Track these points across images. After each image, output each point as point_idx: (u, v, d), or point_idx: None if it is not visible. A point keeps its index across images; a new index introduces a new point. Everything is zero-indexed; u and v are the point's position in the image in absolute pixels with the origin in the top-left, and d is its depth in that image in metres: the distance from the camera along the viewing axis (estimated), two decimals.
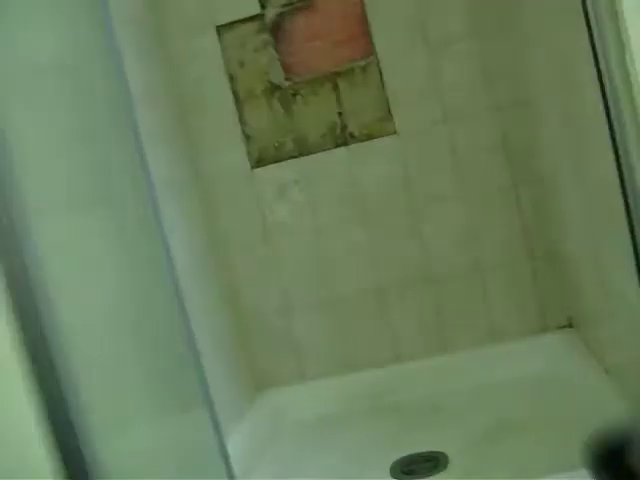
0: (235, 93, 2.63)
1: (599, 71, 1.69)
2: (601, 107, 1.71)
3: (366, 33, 2.54)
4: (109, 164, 1.70)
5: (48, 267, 1.18)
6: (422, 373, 2.63)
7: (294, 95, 2.59)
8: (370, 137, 2.58)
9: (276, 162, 2.64)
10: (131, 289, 1.67)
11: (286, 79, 2.60)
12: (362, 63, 2.55)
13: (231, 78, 2.62)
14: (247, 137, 2.64)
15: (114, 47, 1.65)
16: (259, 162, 2.64)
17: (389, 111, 2.56)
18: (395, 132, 2.57)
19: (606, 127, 1.69)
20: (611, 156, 1.69)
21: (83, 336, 1.45)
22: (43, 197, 1.36)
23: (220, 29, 2.61)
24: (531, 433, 2.12)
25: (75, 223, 1.46)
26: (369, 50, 2.54)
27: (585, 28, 1.71)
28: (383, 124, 2.57)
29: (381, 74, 2.55)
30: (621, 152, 1.50)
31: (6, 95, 1.21)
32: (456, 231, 2.58)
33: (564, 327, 2.56)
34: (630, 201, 1.46)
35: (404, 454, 2.24)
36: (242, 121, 2.63)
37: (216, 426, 1.56)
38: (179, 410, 1.63)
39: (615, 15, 1.59)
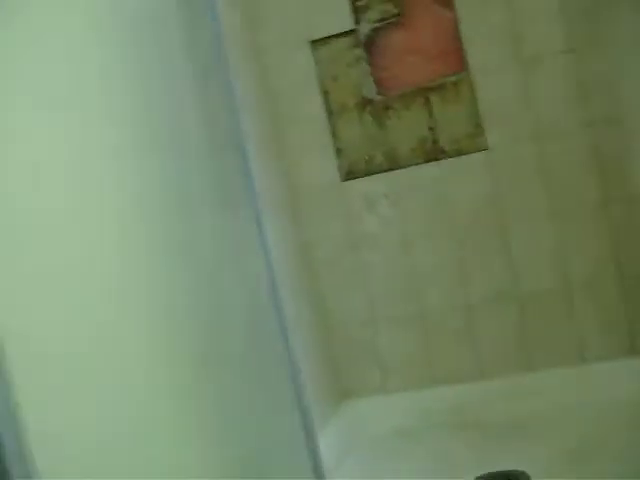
0: (328, 107, 2.67)
1: None
2: None
3: (459, 48, 2.55)
4: (221, 174, 1.75)
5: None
6: (505, 390, 2.60)
7: (386, 109, 2.62)
8: (461, 152, 2.58)
9: (366, 175, 2.66)
10: (237, 298, 1.72)
11: (378, 93, 2.62)
12: (454, 78, 2.56)
13: (324, 92, 2.67)
14: (338, 150, 2.67)
15: (223, 63, 1.71)
16: (349, 175, 2.68)
17: (481, 126, 2.56)
18: (486, 148, 2.56)
19: None
20: None
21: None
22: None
23: (314, 44, 2.65)
24: (615, 456, 2.08)
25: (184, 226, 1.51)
26: (462, 65, 2.55)
27: None
28: (474, 139, 2.57)
29: (473, 89, 2.55)
30: None
31: None
32: (546, 248, 2.56)
33: None
34: None
35: (484, 471, 2.22)
36: (334, 134, 2.67)
37: (308, 430, 1.59)
38: (273, 413, 1.66)
39: None
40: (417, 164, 2.62)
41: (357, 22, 2.62)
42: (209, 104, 1.76)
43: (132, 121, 1.45)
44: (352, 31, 2.63)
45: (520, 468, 2.17)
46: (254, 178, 1.73)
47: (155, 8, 1.64)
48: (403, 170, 2.63)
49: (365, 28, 2.62)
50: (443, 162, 2.60)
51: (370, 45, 2.61)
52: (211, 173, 1.74)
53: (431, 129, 2.60)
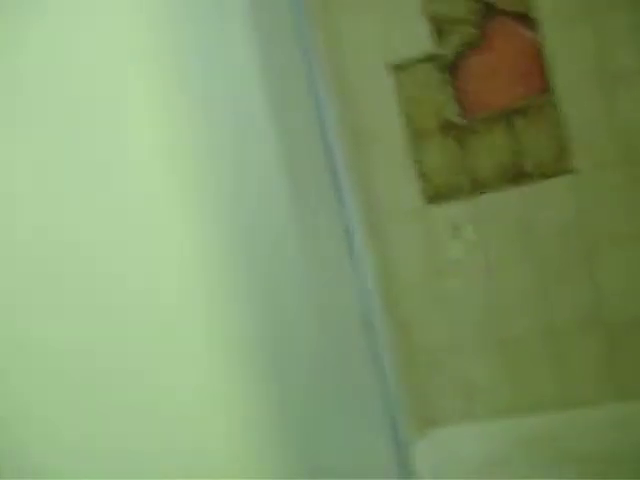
0: (411, 130, 2.66)
1: None
2: None
3: (542, 70, 2.52)
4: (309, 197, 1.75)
5: None
6: (594, 420, 2.53)
7: (469, 133, 2.59)
8: (546, 176, 2.54)
9: (450, 200, 2.64)
10: (331, 322, 1.71)
11: (461, 117, 2.60)
12: (539, 100, 2.53)
13: (407, 115, 2.66)
14: (422, 174, 2.65)
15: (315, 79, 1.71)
16: (433, 199, 2.65)
17: (566, 149, 2.51)
18: (572, 171, 2.51)
19: None
20: None
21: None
22: None
23: (397, 68, 2.65)
24: None
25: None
26: (546, 87, 2.52)
27: None
28: (560, 163, 2.52)
29: (558, 111, 2.51)
30: None
31: None
32: (633, 275, 2.48)
33: None
34: None
35: None
36: (417, 158, 2.66)
37: (402, 456, 1.55)
38: (365, 432, 1.63)
39: None
40: (501, 188, 2.58)
41: (440, 45, 2.61)
42: (295, 129, 1.76)
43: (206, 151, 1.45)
44: (434, 54, 2.62)
45: None
46: (346, 201, 1.72)
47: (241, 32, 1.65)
48: (487, 194, 2.60)
49: (447, 51, 2.60)
50: (528, 186, 2.56)
51: (453, 68, 2.60)
52: (298, 195, 1.74)
53: (515, 152, 2.56)
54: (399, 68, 2.65)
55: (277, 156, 1.68)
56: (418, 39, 2.63)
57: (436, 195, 2.65)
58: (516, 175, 2.57)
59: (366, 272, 1.71)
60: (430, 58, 2.62)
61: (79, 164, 1.23)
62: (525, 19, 2.53)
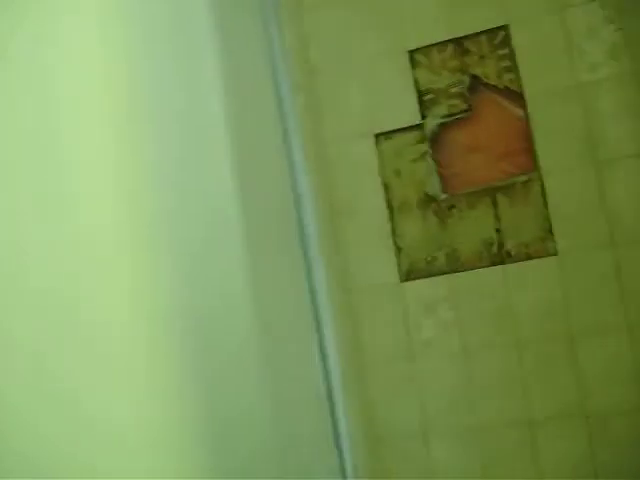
0: (389, 202, 2.56)
1: None
2: None
3: (529, 148, 2.44)
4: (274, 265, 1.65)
5: None
6: None
7: (450, 208, 2.50)
8: (529, 257, 2.44)
9: (426, 277, 2.52)
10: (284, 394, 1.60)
11: (443, 191, 2.51)
12: (524, 178, 2.44)
13: (386, 187, 2.56)
14: (398, 249, 2.55)
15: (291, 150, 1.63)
16: (409, 275, 2.54)
17: (550, 230, 2.42)
18: (556, 253, 2.42)
19: None
20: None
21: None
22: None
23: (379, 137, 2.57)
24: None
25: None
26: (531, 165, 2.44)
27: None
28: (543, 244, 2.43)
29: (543, 191, 2.43)
30: None
31: None
32: (618, 365, 2.37)
33: None
34: None
35: None
36: (394, 232, 2.55)
37: None
38: None
39: None
40: (481, 267, 2.48)
41: (424, 117, 2.53)
42: (271, 194, 1.66)
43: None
44: (418, 125, 2.54)
45: None
46: (315, 273, 1.62)
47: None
48: (466, 273, 2.49)
49: (432, 123, 2.52)
50: (509, 266, 2.45)
51: (436, 141, 2.52)
52: (263, 266, 1.63)
53: (497, 231, 2.46)
54: (381, 138, 2.57)
55: (243, 225, 1.58)
56: (402, 109, 2.55)
57: (412, 271, 2.54)
58: (497, 254, 2.46)
59: (331, 351, 1.61)
60: (414, 129, 2.54)
61: (27, 193, 1.14)
62: (513, 95, 2.46)
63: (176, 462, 1.27)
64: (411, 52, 2.56)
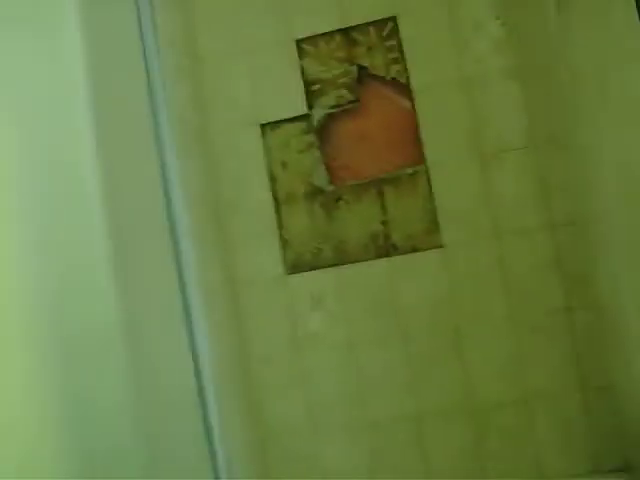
0: (275, 194, 2.51)
1: None
2: None
3: (416, 140, 2.43)
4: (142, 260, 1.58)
5: None
6: None
7: (337, 200, 2.47)
8: (414, 249, 2.43)
9: (312, 269, 2.49)
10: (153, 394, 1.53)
11: (330, 183, 2.48)
12: (410, 171, 2.43)
13: (272, 179, 2.51)
14: (284, 241, 2.50)
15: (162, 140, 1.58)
16: (294, 268, 2.50)
17: (436, 223, 2.42)
18: (441, 245, 2.42)
19: None
20: None
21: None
22: None
23: (264, 127, 2.52)
24: None
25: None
26: (419, 158, 2.43)
27: None
28: (429, 236, 2.42)
29: (429, 183, 2.42)
30: None
31: None
32: (502, 355, 2.39)
33: (619, 471, 2.32)
34: None
35: None
36: (280, 224, 2.51)
37: None
38: None
39: None
40: (367, 259, 2.46)
41: (311, 107, 2.49)
42: (145, 187, 1.60)
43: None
44: (305, 116, 2.50)
45: None
46: (185, 267, 1.56)
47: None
48: (352, 265, 2.46)
49: (319, 114, 2.49)
50: (395, 259, 2.44)
51: (323, 132, 2.48)
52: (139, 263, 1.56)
53: (384, 223, 2.45)
54: (267, 128, 2.51)
55: (107, 216, 1.51)
56: (289, 99, 2.51)
57: (298, 264, 2.50)
58: (383, 247, 2.45)
59: (202, 349, 1.55)
60: (300, 119, 2.50)
61: None
62: (400, 86, 2.45)
63: (35, 463, 1.21)
64: (298, 41, 2.51)
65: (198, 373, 1.52)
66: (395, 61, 2.46)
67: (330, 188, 2.48)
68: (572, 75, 2.21)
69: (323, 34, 2.51)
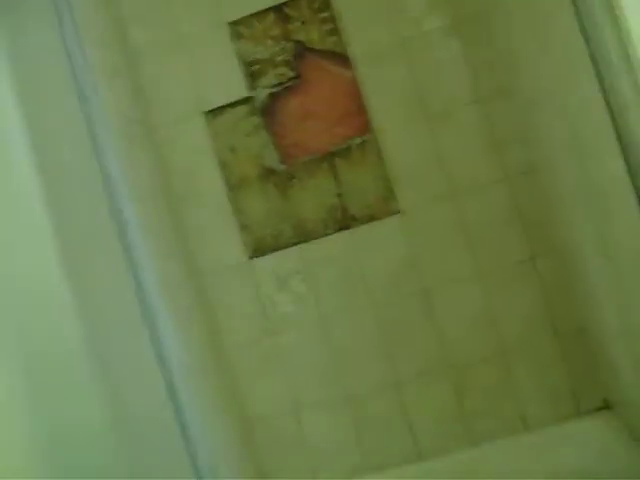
0: (227, 180, 2.49)
1: (616, 127, 1.55)
2: (622, 165, 1.56)
3: (362, 109, 2.42)
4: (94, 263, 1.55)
5: None
6: (447, 470, 2.41)
7: (290, 179, 2.45)
8: (373, 218, 2.42)
9: (275, 251, 2.47)
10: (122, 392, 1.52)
11: (281, 162, 2.46)
12: (359, 140, 2.42)
13: (222, 165, 2.49)
14: (243, 226, 2.48)
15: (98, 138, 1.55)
16: (257, 252, 2.48)
17: (391, 189, 2.41)
18: (399, 211, 2.41)
19: (631, 190, 1.54)
20: (637, 218, 1.54)
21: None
22: None
23: (208, 115, 2.49)
24: None
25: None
26: (366, 127, 2.41)
27: (596, 81, 1.58)
28: (386, 203, 2.41)
29: (380, 151, 2.41)
30: None
31: None
32: (474, 312, 2.40)
33: (600, 409, 2.35)
34: None
35: None
36: (236, 210, 2.48)
37: None
38: None
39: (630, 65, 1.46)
40: (328, 234, 2.45)
41: (252, 89, 2.47)
42: (91, 187, 1.57)
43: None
44: (247, 98, 2.47)
45: None
46: (142, 268, 1.54)
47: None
48: (314, 242, 2.45)
49: (261, 94, 2.46)
50: (355, 230, 2.43)
51: (268, 112, 2.46)
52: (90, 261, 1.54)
53: (339, 196, 2.43)
54: (210, 115, 2.49)
55: (53, 224, 1.48)
56: (229, 83, 2.48)
57: (260, 247, 2.48)
58: (342, 220, 2.44)
59: (167, 345, 1.53)
60: (243, 102, 2.47)
61: None
62: (339, 57, 2.43)
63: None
64: (231, 24, 2.48)
65: (166, 372, 1.50)
66: (331, 32, 2.44)
67: (282, 167, 2.46)
68: (509, 24, 2.21)
69: (255, 13, 2.48)
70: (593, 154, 1.75)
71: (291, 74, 2.46)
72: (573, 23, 1.60)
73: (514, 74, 2.31)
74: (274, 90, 2.46)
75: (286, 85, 2.46)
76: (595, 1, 1.47)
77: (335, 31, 2.44)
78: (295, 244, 2.46)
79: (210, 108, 2.49)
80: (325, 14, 2.44)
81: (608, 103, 1.55)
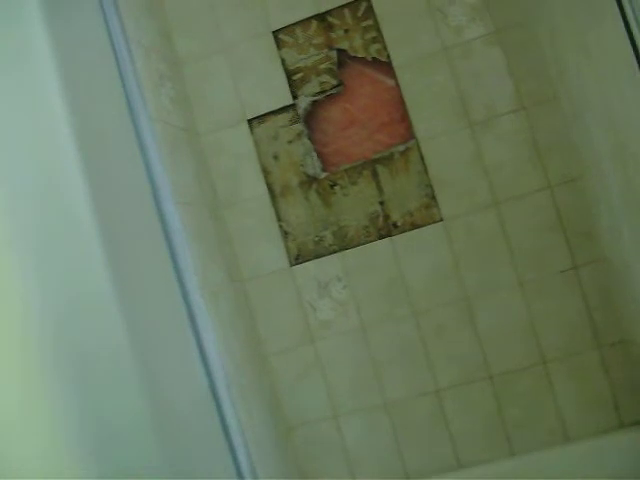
0: (270, 187, 2.51)
1: None
2: None
3: (404, 117, 2.42)
4: (140, 268, 1.57)
5: None
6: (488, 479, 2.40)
7: (332, 186, 2.46)
8: (415, 226, 2.43)
9: (316, 258, 2.49)
10: (165, 399, 1.53)
11: (323, 170, 2.47)
12: (402, 148, 2.43)
13: (265, 172, 2.51)
14: (285, 233, 2.50)
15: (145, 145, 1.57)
16: (298, 259, 2.50)
17: (433, 197, 2.41)
18: (441, 219, 2.41)
19: None
20: None
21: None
22: None
23: (252, 122, 2.51)
24: None
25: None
26: (408, 134, 2.42)
27: None
28: (428, 211, 2.42)
29: (422, 158, 2.42)
30: None
31: None
32: (515, 321, 2.39)
33: None
34: None
35: None
36: (279, 216, 2.50)
37: None
38: None
39: None
40: (369, 242, 2.45)
41: (295, 96, 2.49)
42: (127, 194, 1.59)
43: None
44: (290, 106, 2.49)
45: None
46: (185, 272, 1.56)
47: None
48: (355, 249, 2.46)
49: (304, 102, 2.48)
50: (397, 237, 2.44)
51: (311, 120, 2.48)
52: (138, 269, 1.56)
53: (381, 203, 2.44)
54: (254, 123, 2.51)
55: (99, 230, 1.51)
56: (272, 91, 2.51)
57: (301, 254, 2.50)
58: (383, 227, 2.44)
59: (210, 350, 1.55)
60: (286, 110, 2.49)
61: None
62: (381, 65, 2.44)
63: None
64: (275, 32, 2.51)
65: (209, 375, 1.52)
66: (374, 40, 2.46)
67: (324, 175, 2.48)
68: (552, 33, 2.20)
69: (299, 22, 2.50)
70: (637, 163, 1.74)
71: (334, 82, 2.47)
72: (619, 31, 1.59)
73: (557, 82, 2.30)
74: (317, 98, 2.48)
75: (329, 93, 2.47)
76: None
77: (378, 39, 2.45)
78: (336, 251, 2.47)
79: (253, 115, 2.51)
80: (368, 22, 2.46)
81: None
